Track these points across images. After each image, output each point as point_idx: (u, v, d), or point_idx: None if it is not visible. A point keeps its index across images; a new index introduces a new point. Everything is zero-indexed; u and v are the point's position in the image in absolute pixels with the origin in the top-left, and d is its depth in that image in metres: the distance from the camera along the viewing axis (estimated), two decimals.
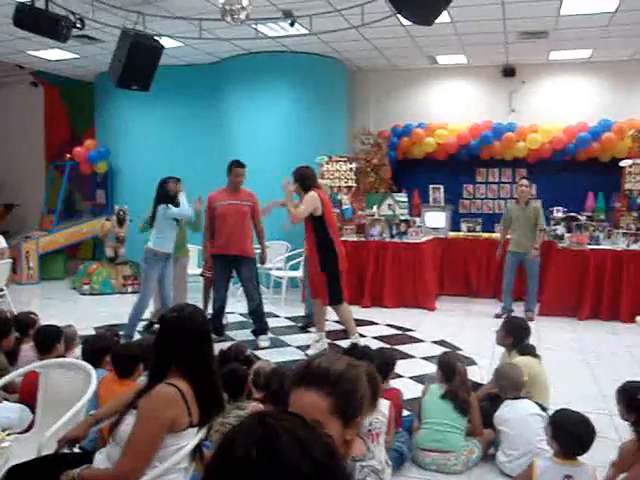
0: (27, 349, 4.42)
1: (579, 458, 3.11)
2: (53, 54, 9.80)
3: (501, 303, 8.21)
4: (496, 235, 9.06)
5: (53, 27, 6.39)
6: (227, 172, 6.66)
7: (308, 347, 6.39)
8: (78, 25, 6.67)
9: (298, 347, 6.55)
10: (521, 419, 3.69)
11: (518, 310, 7.87)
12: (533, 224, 7.83)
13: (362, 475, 1.74)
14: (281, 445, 1.02)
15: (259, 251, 6.94)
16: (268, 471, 0.99)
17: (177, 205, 6.45)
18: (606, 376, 5.58)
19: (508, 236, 8.10)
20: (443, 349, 5.89)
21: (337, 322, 7.25)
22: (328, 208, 6.27)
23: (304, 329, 7.35)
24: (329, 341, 6.66)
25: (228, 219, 6.55)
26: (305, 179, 6.22)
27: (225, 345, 4.63)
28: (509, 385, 3.86)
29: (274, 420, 1.09)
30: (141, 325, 7.00)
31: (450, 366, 3.95)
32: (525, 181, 8.02)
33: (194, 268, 8.60)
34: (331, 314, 6.59)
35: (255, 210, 6.69)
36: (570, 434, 3.09)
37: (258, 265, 6.91)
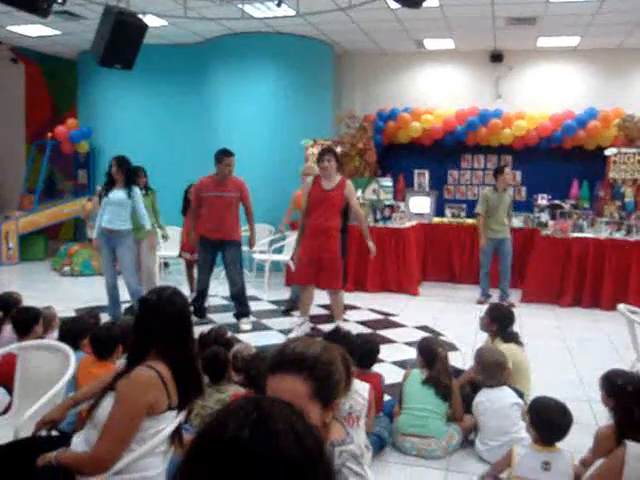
0: (8, 330, 4.36)
1: (557, 444, 3.15)
2: (34, 30, 9.60)
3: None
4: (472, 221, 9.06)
5: (34, 1, 6.23)
6: (215, 161, 6.51)
7: (290, 331, 6.38)
8: (59, 0, 6.52)
9: (280, 331, 6.53)
10: (499, 410, 3.69)
11: (496, 296, 7.91)
12: (508, 211, 7.97)
13: (341, 460, 1.73)
14: (276, 430, 1.01)
15: (247, 234, 6.88)
16: (259, 453, 0.97)
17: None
18: (586, 363, 5.63)
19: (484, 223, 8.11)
20: (425, 334, 5.90)
21: (322, 306, 7.27)
22: None
23: (287, 312, 7.33)
24: (312, 325, 6.65)
25: (215, 208, 6.52)
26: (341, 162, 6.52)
27: (206, 328, 4.60)
28: (489, 367, 3.83)
29: (269, 405, 1.07)
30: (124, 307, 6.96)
31: (431, 351, 3.95)
32: (508, 169, 8.13)
33: (173, 249, 8.46)
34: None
35: (244, 198, 6.61)
36: (548, 421, 3.12)
37: (244, 248, 6.87)
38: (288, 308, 7.41)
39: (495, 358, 3.86)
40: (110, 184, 6.54)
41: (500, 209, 7.90)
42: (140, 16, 7.18)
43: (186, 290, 7.42)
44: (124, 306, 6.88)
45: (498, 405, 3.70)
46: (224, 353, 3.80)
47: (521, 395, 3.89)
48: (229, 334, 4.64)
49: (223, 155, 6.48)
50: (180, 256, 7.91)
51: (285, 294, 8.02)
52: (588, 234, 8.11)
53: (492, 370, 3.82)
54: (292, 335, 6.22)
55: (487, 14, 8.41)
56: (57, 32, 9.74)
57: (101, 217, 6.55)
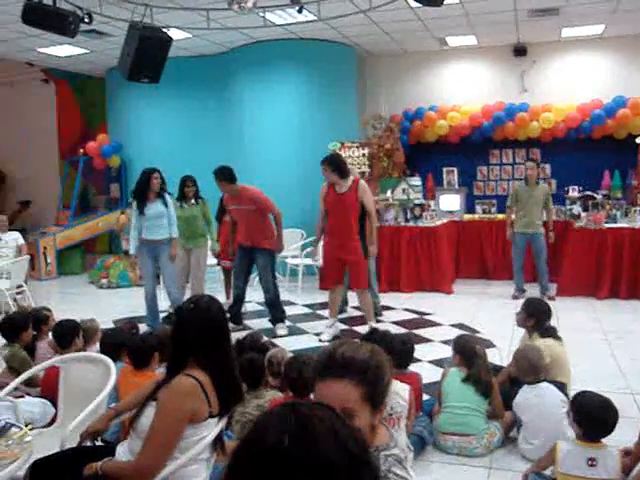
0: (43, 345, 4.47)
1: (602, 440, 3.07)
2: (63, 50, 9.83)
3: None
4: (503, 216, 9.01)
5: (61, 23, 6.39)
6: None
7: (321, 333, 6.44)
8: (86, 20, 6.67)
9: (315, 334, 6.56)
10: (542, 406, 3.63)
11: (532, 291, 7.83)
12: (542, 205, 7.82)
13: (387, 465, 1.73)
14: (315, 434, 1.01)
15: None
16: (300, 459, 0.98)
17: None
18: (627, 355, 5.55)
19: (513, 216, 8.04)
20: (461, 332, 5.86)
21: (355, 308, 7.27)
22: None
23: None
24: (345, 327, 6.67)
25: (240, 218, 6.68)
26: (343, 165, 6.33)
27: (242, 334, 4.64)
28: (529, 367, 3.80)
29: (308, 409, 1.07)
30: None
31: (469, 349, 3.93)
32: (531, 163, 7.97)
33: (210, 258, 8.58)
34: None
35: (262, 209, 6.54)
36: (593, 418, 3.04)
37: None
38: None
39: (533, 356, 3.80)
40: (142, 197, 6.62)
41: (530, 203, 7.79)
42: (164, 30, 7.30)
43: (222, 297, 7.50)
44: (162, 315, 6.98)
45: (540, 402, 3.64)
46: (260, 359, 3.84)
47: (563, 387, 3.85)
48: (264, 339, 4.67)
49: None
50: (219, 264, 8.00)
51: (319, 297, 8.05)
52: (622, 224, 7.98)
53: (530, 368, 3.78)
54: (323, 337, 6.26)
55: (509, 7, 8.33)
56: (85, 50, 9.95)
57: (138, 231, 6.63)
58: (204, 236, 7.38)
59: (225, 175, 6.50)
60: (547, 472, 3.25)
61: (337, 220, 6.24)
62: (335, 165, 6.18)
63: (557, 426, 3.55)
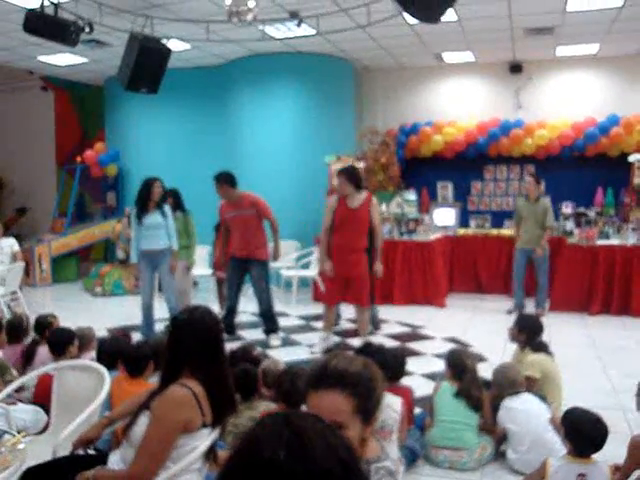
0: (44, 351, 4.48)
1: (592, 456, 3.10)
2: (63, 59, 9.88)
3: (511, 299, 8.22)
4: (506, 232, 9.08)
5: (62, 32, 6.45)
6: None
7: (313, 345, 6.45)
8: (87, 30, 6.73)
9: (309, 346, 6.57)
10: (523, 412, 3.70)
11: (529, 306, 7.87)
12: (542, 221, 7.77)
13: (378, 477, 1.75)
14: (311, 446, 1.02)
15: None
16: (298, 472, 0.98)
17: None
18: (618, 371, 5.58)
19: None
20: (454, 346, 5.88)
21: (349, 320, 7.29)
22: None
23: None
24: (338, 339, 6.68)
25: (237, 227, 6.63)
26: (360, 178, 6.23)
27: (235, 345, 4.66)
28: (507, 385, 3.87)
29: (300, 420, 1.08)
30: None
31: (460, 364, 3.95)
32: (529, 178, 8.00)
33: (202, 268, 8.65)
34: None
35: (262, 214, 6.59)
36: (583, 434, 3.07)
37: (271, 264, 6.93)
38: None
39: (509, 373, 3.91)
40: (143, 207, 6.62)
41: (531, 219, 7.79)
42: (164, 41, 7.37)
43: (216, 308, 7.52)
44: (160, 325, 6.97)
45: (522, 409, 3.71)
46: (254, 370, 3.86)
47: (543, 398, 3.88)
48: (257, 350, 4.69)
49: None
50: (213, 274, 8.02)
51: (312, 310, 8.07)
52: (614, 241, 8.03)
53: (508, 384, 3.86)
54: (315, 349, 6.28)
55: (505, 26, 8.43)
56: (85, 60, 10.01)
57: (138, 241, 6.65)
58: (184, 248, 7.27)
59: (227, 179, 6.52)
60: None
61: (346, 235, 6.08)
62: (353, 177, 6.06)
63: (541, 433, 3.61)
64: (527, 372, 4.12)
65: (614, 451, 3.30)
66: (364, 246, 6.17)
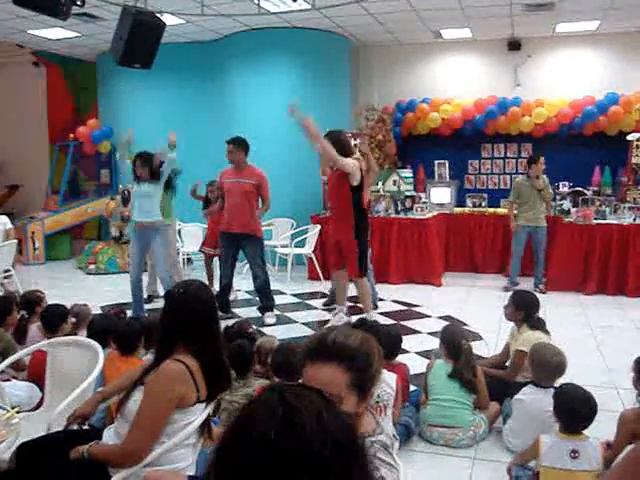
0: (34, 328, 4.45)
1: (585, 432, 3.09)
2: (54, 33, 9.72)
3: (506, 278, 8.24)
4: (502, 211, 9.04)
5: (53, 5, 6.31)
6: None
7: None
8: (78, 3, 6.59)
9: (304, 324, 6.57)
10: (539, 412, 3.52)
11: (525, 285, 7.86)
12: (545, 197, 7.93)
13: (372, 451, 1.74)
14: (303, 427, 1.01)
15: (267, 228, 6.91)
16: (288, 453, 0.98)
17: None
18: (612, 350, 5.60)
19: (515, 211, 8.09)
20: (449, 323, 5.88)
21: (351, 298, 7.27)
22: (367, 180, 6.24)
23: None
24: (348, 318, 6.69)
25: (232, 196, 6.59)
26: (343, 146, 6.03)
27: (230, 322, 4.64)
28: (548, 368, 3.62)
29: (295, 398, 1.06)
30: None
31: (455, 344, 3.91)
32: (543, 158, 7.97)
33: (195, 245, 8.60)
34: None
35: (261, 188, 6.62)
36: (571, 410, 3.07)
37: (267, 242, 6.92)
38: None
39: (557, 359, 3.63)
40: (137, 178, 6.65)
41: (533, 197, 7.87)
42: (158, 15, 7.24)
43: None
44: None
45: (539, 407, 3.53)
46: (249, 346, 3.84)
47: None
48: (253, 327, 4.68)
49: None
50: (201, 250, 7.97)
51: (308, 287, 8.06)
52: (611, 220, 8.02)
53: (551, 371, 3.63)
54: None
55: (504, 1, 8.33)
56: (76, 34, 9.85)
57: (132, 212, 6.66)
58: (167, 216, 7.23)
59: (246, 145, 6.64)
60: (531, 464, 3.27)
61: (332, 197, 6.29)
62: (336, 143, 5.94)
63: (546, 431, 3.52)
64: (520, 347, 4.10)
65: (607, 429, 3.31)
66: (345, 207, 6.04)
